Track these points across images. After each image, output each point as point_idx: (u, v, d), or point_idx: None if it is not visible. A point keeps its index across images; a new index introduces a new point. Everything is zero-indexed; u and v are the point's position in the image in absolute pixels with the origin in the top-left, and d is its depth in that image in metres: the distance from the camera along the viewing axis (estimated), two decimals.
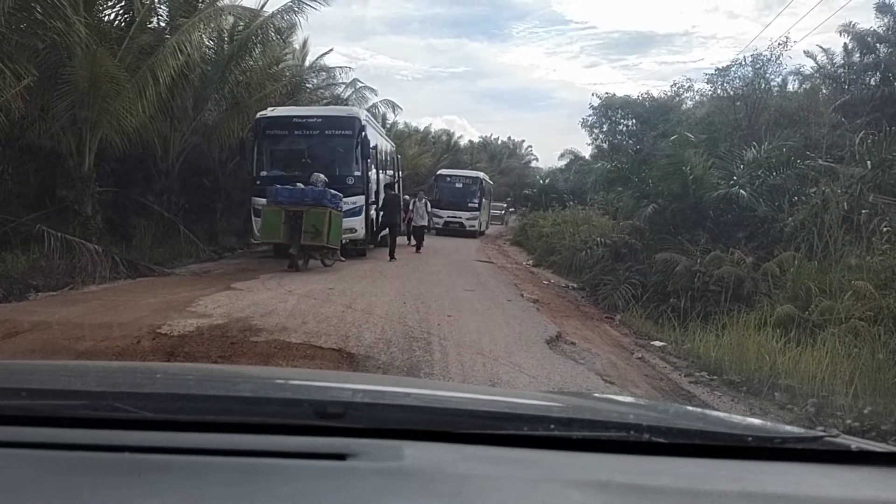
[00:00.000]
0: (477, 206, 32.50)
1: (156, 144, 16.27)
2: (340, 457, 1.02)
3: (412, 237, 21.05)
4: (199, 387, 1.45)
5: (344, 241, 14.80)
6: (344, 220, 14.33)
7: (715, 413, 1.74)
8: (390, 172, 21.13)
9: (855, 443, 1.18)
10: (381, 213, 17.83)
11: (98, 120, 12.76)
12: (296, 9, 17.28)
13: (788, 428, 1.51)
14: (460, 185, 32.85)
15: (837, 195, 10.07)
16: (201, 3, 16.06)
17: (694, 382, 6.91)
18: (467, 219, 31.75)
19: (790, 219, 10.80)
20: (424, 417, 1.20)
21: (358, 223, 15.55)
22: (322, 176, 14.31)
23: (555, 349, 7.88)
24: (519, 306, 11.02)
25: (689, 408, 2.36)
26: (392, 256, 16.77)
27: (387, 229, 17.79)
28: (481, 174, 36.39)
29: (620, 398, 2.64)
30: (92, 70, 12.02)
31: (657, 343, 8.83)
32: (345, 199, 14.47)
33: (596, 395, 3.01)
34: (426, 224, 21.83)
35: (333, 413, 1.14)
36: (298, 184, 13.77)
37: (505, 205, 49.40)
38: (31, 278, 10.59)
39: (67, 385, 1.42)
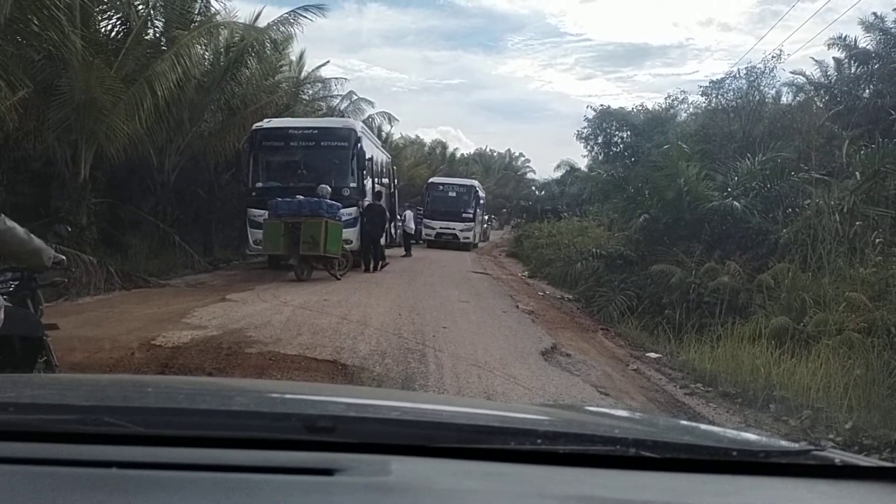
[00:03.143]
0: (471, 216, 31.39)
1: (151, 156, 16.26)
2: (328, 472, 1.02)
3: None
4: (190, 401, 1.45)
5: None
6: None
7: (705, 427, 1.75)
8: (385, 181, 21.11)
9: (840, 457, 1.18)
10: (363, 227, 16.13)
11: (94, 131, 12.76)
12: (292, 21, 17.42)
13: (779, 442, 1.51)
14: (453, 195, 31.69)
15: (831, 207, 10.10)
16: (197, 15, 16.13)
17: (689, 394, 6.92)
18: (461, 230, 30.56)
19: (784, 230, 10.82)
20: (413, 431, 1.21)
21: (353, 234, 15.53)
22: (327, 187, 14.38)
23: (550, 361, 7.88)
24: (514, 317, 11.02)
25: (681, 421, 2.36)
26: (376, 268, 16.52)
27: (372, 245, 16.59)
28: (475, 182, 35.50)
29: (612, 411, 2.65)
30: (88, 82, 12.03)
31: (652, 355, 8.84)
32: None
33: (587, 408, 3.01)
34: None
35: (323, 427, 1.14)
36: (298, 196, 13.84)
37: (487, 217, 46.33)
38: None
39: (58, 399, 1.42)
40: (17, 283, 3.94)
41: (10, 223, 3.83)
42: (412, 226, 24.96)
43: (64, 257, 4.24)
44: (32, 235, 3.93)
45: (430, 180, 34.62)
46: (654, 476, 1.10)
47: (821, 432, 5.16)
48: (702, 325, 9.76)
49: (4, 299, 3.54)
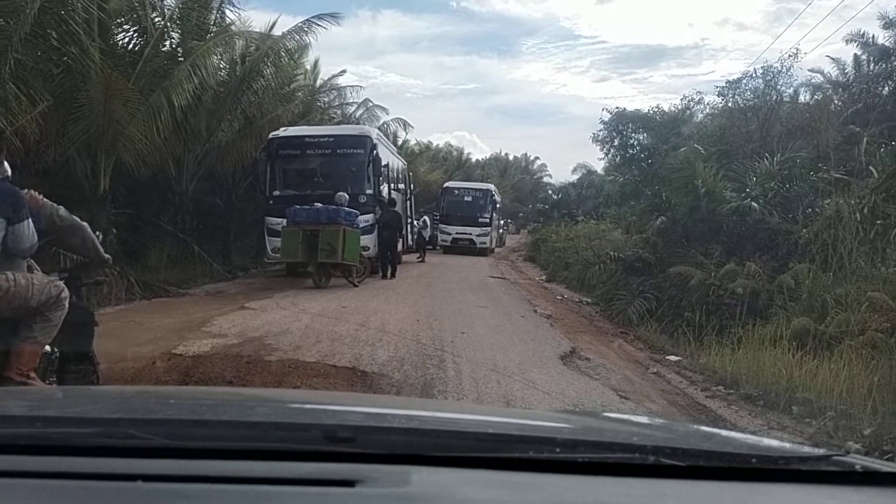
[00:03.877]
0: (488, 221, 30.93)
1: (170, 166, 16.38)
2: (350, 483, 1.03)
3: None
4: (213, 412, 1.46)
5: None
6: None
7: (725, 433, 1.73)
8: (401, 188, 21.15)
9: (861, 462, 1.17)
10: (380, 234, 16.08)
11: (113, 143, 12.88)
12: (306, 29, 17.53)
13: (800, 448, 1.50)
14: (469, 199, 31.21)
15: (851, 206, 10.00)
16: (213, 25, 16.27)
17: (710, 397, 6.87)
18: (477, 235, 30.08)
19: (804, 231, 10.74)
20: (432, 441, 1.21)
21: (370, 241, 15.57)
22: (345, 195, 14.44)
23: (569, 365, 7.86)
24: (532, 322, 11.00)
25: (700, 427, 2.35)
26: (393, 275, 16.53)
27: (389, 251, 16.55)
28: (491, 186, 35.11)
29: (631, 418, 2.64)
30: (106, 94, 12.15)
31: (672, 357, 8.79)
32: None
33: (606, 414, 3.00)
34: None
35: (344, 438, 1.15)
36: (316, 204, 13.92)
37: (503, 221, 44.52)
38: None
39: (83, 412, 1.44)
40: (64, 281, 4.30)
41: (71, 216, 4.21)
42: (429, 232, 25.02)
43: (109, 256, 4.71)
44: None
45: (446, 185, 34.36)
46: (673, 484, 1.10)
47: (844, 436, 5.10)
48: (722, 327, 9.70)
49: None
